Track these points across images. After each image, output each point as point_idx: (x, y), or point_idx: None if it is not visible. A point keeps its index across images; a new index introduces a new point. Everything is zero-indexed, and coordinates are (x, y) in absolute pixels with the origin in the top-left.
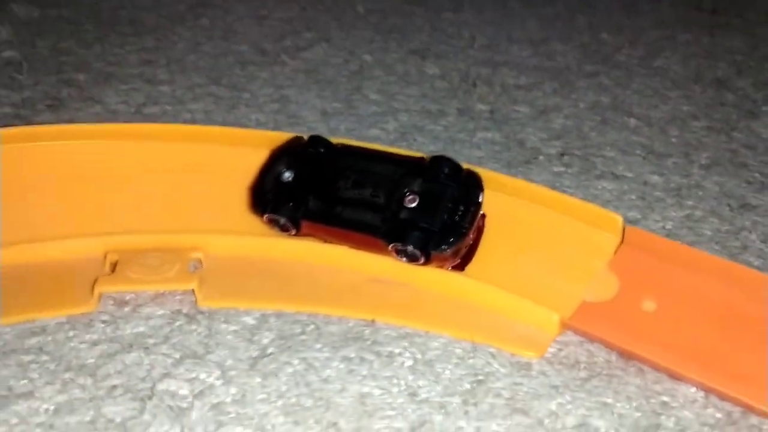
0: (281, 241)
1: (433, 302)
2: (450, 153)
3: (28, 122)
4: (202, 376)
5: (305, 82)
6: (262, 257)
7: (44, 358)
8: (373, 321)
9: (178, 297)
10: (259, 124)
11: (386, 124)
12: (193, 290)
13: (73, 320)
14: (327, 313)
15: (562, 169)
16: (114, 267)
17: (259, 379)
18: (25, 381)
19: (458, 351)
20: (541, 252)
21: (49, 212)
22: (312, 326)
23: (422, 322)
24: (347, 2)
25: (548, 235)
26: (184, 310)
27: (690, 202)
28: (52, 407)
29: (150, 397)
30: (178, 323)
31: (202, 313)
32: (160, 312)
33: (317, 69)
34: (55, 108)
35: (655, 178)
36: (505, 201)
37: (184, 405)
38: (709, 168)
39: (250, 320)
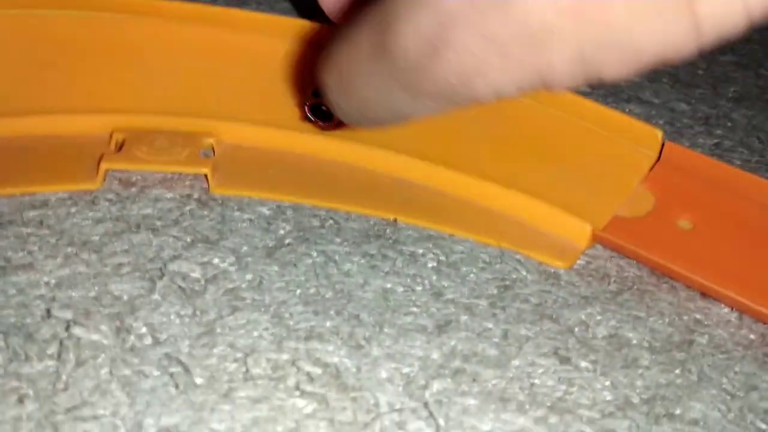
0: (301, 135)
1: (459, 206)
2: None
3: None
4: (216, 261)
5: None
6: (279, 149)
7: (44, 231)
8: (395, 221)
9: (188, 182)
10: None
11: None
12: (205, 175)
13: (76, 197)
14: (347, 210)
15: (588, 90)
16: (120, 146)
17: (276, 268)
18: (24, 253)
19: (484, 256)
20: (574, 163)
21: (56, 84)
22: (331, 221)
23: (447, 224)
24: None
25: (582, 147)
26: (195, 195)
27: (719, 132)
28: (53, 281)
29: (160, 277)
30: (188, 208)
31: (214, 199)
32: (169, 195)
33: None
34: None
35: (683, 106)
36: (539, 110)
37: (197, 288)
38: (737, 101)
39: (265, 210)
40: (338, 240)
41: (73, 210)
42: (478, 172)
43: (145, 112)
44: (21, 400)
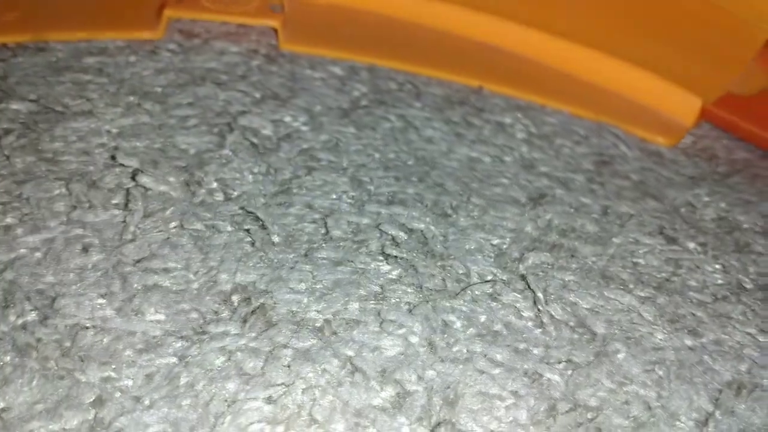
0: None
1: (552, 75)
2: None
3: None
4: (287, 119)
5: None
6: (354, 7)
7: (104, 80)
8: (480, 88)
9: (254, 36)
10: None
11: None
12: (274, 29)
13: (136, 45)
14: (427, 74)
15: None
16: None
17: (352, 130)
18: (83, 100)
19: (579, 129)
20: (684, 34)
21: None
22: (409, 85)
23: (539, 94)
24: None
25: (695, 17)
26: (263, 51)
27: None
28: (115, 129)
29: (229, 132)
30: (256, 63)
31: (283, 56)
32: (235, 49)
33: None
34: None
35: None
36: None
37: (269, 145)
38: None
39: (338, 70)
40: (418, 105)
41: (133, 59)
42: (576, 38)
43: None
44: (86, 250)
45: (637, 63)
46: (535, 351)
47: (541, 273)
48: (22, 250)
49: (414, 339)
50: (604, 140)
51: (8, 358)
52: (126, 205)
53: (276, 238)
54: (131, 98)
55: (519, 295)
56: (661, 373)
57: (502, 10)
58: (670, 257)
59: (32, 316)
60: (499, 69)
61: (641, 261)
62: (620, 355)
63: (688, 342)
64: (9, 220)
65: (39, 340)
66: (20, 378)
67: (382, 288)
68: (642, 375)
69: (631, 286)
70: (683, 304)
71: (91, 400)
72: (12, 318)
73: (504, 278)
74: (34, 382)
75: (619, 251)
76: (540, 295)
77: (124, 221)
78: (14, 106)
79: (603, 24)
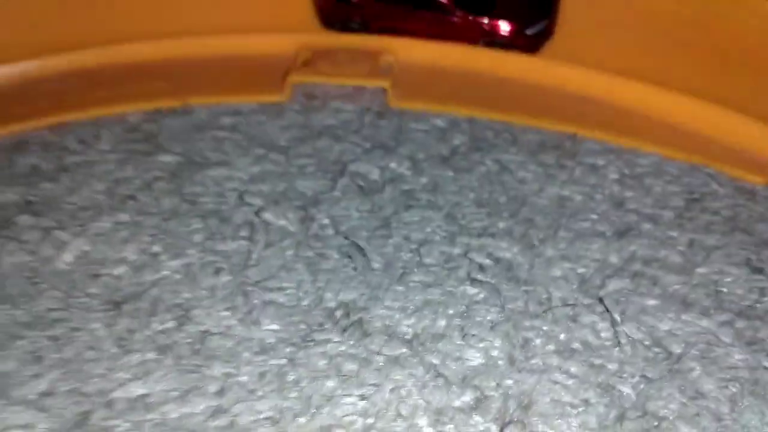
0: (476, 51)
1: (644, 119)
2: None
3: None
4: (392, 165)
5: None
6: (455, 66)
7: (237, 136)
8: (574, 134)
9: (367, 96)
10: None
11: None
12: (384, 89)
13: (265, 108)
14: (523, 123)
15: None
16: (306, 63)
17: (450, 173)
18: (220, 153)
19: (671, 169)
20: None
21: (247, 6)
22: (506, 134)
23: (631, 138)
24: None
25: None
26: (374, 108)
27: None
28: (245, 176)
29: (341, 176)
30: (367, 118)
31: (392, 112)
32: (350, 107)
33: None
34: None
35: None
36: (738, 17)
37: (375, 187)
38: None
39: (440, 122)
40: (513, 150)
41: (262, 118)
42: (665, 83)
43: (326, 32)
44: (217, 272)
45: (728, 104)
46: (610, 366)
47: (621, 298)
48: (165, 272)
49: (494, 352)
50: (696, 179)
51: (151, 355)
52: (251, 236)
53: (375, 265)
54: (260, 150)
55: (597, 317)
56: (734, 389)
57: (591, 61)
58: (754, 286)
59: (171, 324)
60: (593, 116)
61: (724, 289)
62: (694, 373)
63: (766, 363)
64: (156, 248)
65: (175, 342)
66: (159, 371)
67: (467, 308)
68: (715, 391)
69: (712, 311)
70: (763, 328)
71: (215, 390)
72: (155, 325)
73: (585, 302)
74: (170, 375)
75: (702, 280)
76: (618, 317)
77: (249, 250)
78: (163, 158)
79: (693, 68)
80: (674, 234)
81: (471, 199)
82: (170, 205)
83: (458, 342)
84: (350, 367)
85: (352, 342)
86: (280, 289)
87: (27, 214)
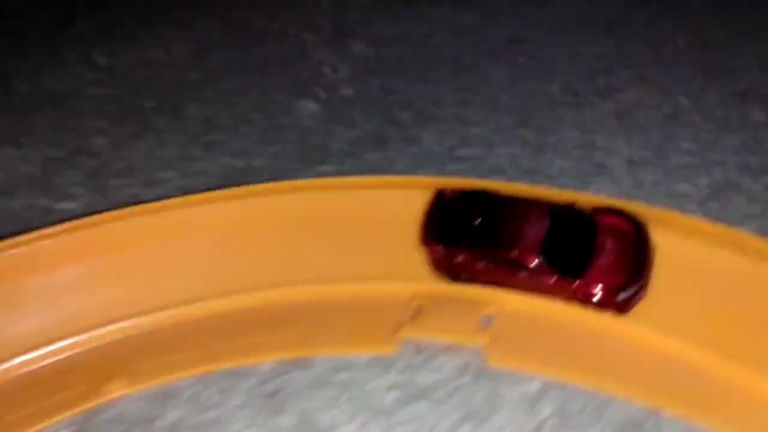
0: (572, 307)
1: (733, 397)
2: None
3: (358, 158)
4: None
5: (615, 127)
6: (548, 320)
7: (346, 396)
8: (658, 411)
9: (467, 350)
10: (562, 172)
11: (698, 178)
12: (482, 347)
13: (375, 362)
14: (611, 392)
15: None
16: (416, 313)
17: None
18: (332, 414)
19: None
20: None
21: (363, 256)
22: (593, 406)
23: (716, 418)
24: (667, 36)
25: None
26: (472, 366)
27: None
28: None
29: None
30: (465, 379)
31: (488, 371)
32: (451, 365)
33: (629, 112)
34: (380, 146)
35: None
36: None
37: None
38: None
39: (532, 388)
40: (597, 428)
41: (372, 373)
42: (753, 363)
43: (436, 280)
44: None
45: None
46: None
47: None
48: None
49: None
50: None
51: None
52: None
53: None
54: (365, 414)
55: None
56: None
57: (682, 329)
58: None
59: None
60: (680, 389)
61: None
62: None
63: None
64: None
65: None
66: None
67: None
68: None
69: None
70: None
71: None
72: None
73: None
74: None
75: None
76: None
77: None
78: (282, 420)
79: None
80: None
81: None
82: None
83: None
84: None
85: None
86: None
87: None
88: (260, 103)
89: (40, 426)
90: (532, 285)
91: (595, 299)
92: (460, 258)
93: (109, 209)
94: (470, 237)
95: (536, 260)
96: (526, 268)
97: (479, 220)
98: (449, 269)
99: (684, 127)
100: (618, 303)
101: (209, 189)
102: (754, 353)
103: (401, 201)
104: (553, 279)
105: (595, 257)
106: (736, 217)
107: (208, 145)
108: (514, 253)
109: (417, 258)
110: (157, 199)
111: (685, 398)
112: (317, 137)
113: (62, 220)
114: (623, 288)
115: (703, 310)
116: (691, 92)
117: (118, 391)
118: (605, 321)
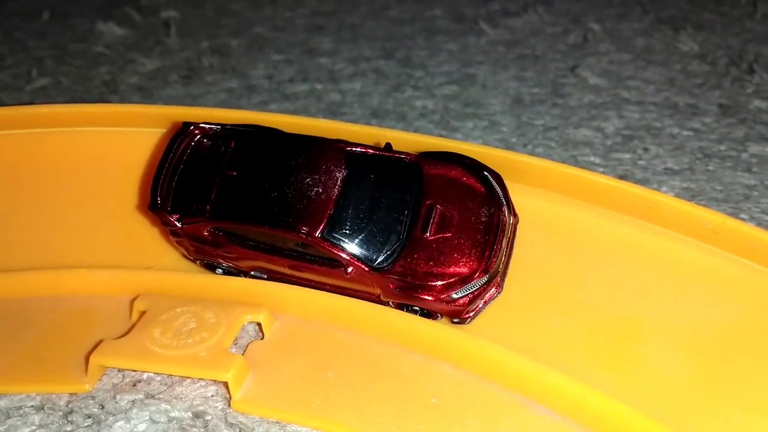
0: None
1: None
2: (702, 174)
3: (147, 95)
4: None
5: (502, 58)
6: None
7: None
8: None
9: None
10: (424, 114)
11: (605, 121)
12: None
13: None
14: None
15: None
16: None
17: None
18: None
19: None
20: None
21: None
22: None
23: None
24: None
25: None
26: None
27: None
28: None
29: None
30: None
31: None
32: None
33: (524, 41)
34: (186, 80)
35: None
36: None
37: None
38: None
39: None
40: None
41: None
42: None
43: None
44: None
45: None
46: None
47: None
48: None
49: None
50: None
51: None
52: None
53: None
54: None
55: None
56: None
57: None
58: None
59: None
60: None
61: None
62: None
63: None
64: None
65: None
66: None
67: None
68: None
69: None
70: None
71: None
72: None
73: None
74: None
75: None
76: None
77: None
78: None
79: None
80: None
81: None
82: None
83: None
84: None
85: None
86: None
87: None
88: (50, 27)
89: None
90: (319, 275)
91: (416, 300)
92: (211, 236)
93: None
94: (229, 204)
95: (319, 235)
96: (309, 250)
97: (241, 175)
98: (196, 251)
99: (592, 57)
100: (453, 307)
101: None
102: None
103: (127, 142)
104: (351, 268)
105: (417, 229)
106: (652, 171)
107: None
108: (294, 228)
109: (149, 234)
110: None
111: None
112: (107, 68)
113: None
114: (461, 282)
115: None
116: (607, 18)
117: None
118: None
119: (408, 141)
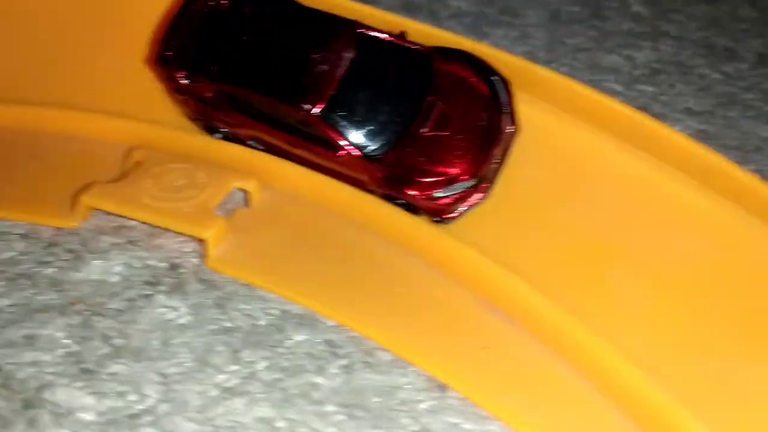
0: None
1: None
2: (720, 119)
3: None
4: None
5: None
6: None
7: None
8: None
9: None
10: (456, 14)
11: (638, 51)
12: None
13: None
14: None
15: None
16: (127, 172)
17: None
18: None
19: None
20: None
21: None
22: None
23: None
24: None
25: None
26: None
27: None
28: None
29: None
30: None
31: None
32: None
33: None
34: None
35: None
36: None
37: None
38: None
39: None
40: None
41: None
42: None
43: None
44: None
45: None
46: None
47: None
48: None
49: None
50: None
51: None
52: None
53: None
54: None
55: None
56: None
57: None
58: None
59: None
60: None
61: None
62: None
63: None
64: None
65: None
66: None
67: None
68: None
69: None
70: None
71: None
72: None
73: None
74: None
75: None
76: None
77: None
78: None
79: None
80: None
81: None
82: None
83: None
84: None
85: None
86: None
87: None
88: None
89: None
90: (313, 154)
91: (400, 193)
92: (214, 98)
93: None
94: (235, 68)
95: (318, 113)
96: (306, 128)
97: (251, 41)
98: (198, 112)
99: None
100: (435, 205)
101: None
102: None
103: None
104: (343, 151)
105: (415, 123)
106: (671, 108)
107: None
108: (294, 103)
109: (156, 89)
110: None
111: None
112: None
113: None
114: (447, 183)
115: None
116: None
117: None
118: (404, 230)
119: (426, 34)
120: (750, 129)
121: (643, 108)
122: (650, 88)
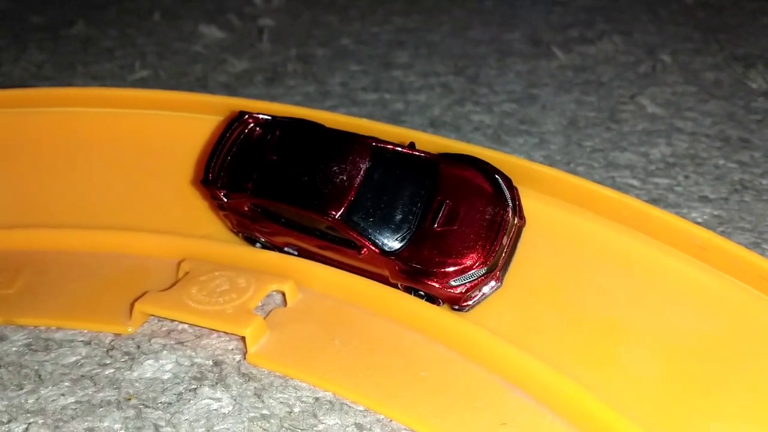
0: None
1: None
2: (735, 204)
3: (233, 93)
4: None
5: (568, 82)
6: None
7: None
8: None
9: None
10: (479, 127)
11: (653, 148)
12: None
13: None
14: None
15: None
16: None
17: None
18: None
19: None
20: None
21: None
22: None
23: None
24: None
25: None
26: (226, 366)
27: None
28: None
29: None
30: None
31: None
32: (186, 362)
33: (593, 67)
34: (269, 82)
35: None
36: None
37: None
38: None
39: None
40: None
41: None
42: None
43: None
44: None
45: None
46: None
47: None
48: None
49: None
50: None
51: None
52: None
53: None
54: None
55: None
56: None
57: None
58: None
59: None
60: None
61: None
62: None
63: None
64: None
65: None
66: None
67: None
68: None
69: None
70: None
71: None
72: None
73: None
74: None
75: None
76: None
77: None
78: None
79: None
80: None
81: None
82: None
83: None
84: None
85: None
86: None
87: None
88: (158, 26)
89: None
90: (339, 255)
91: (419, 284)
92: (251, 211)
93: None
94: (268, 184)
95: (339, 218)
96: (332, 231)
97: (281, 160)
98: (239, 225)
99: (657, 87)
100: (452, 294)
101: None
102: None
103: (190, 125)
104: (364, 249)
105: (427, 220)
106: (686, 198)
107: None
108: (318, 209)
109: (201, 207)
110: None
111: None
112: (201, 66)
113: None
114: (461, 271)
115: None
116: (682, 51)
117: None
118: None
119: (435, 144)
120: (764, 211)
121: (659, 199)
122: (665, 180)
